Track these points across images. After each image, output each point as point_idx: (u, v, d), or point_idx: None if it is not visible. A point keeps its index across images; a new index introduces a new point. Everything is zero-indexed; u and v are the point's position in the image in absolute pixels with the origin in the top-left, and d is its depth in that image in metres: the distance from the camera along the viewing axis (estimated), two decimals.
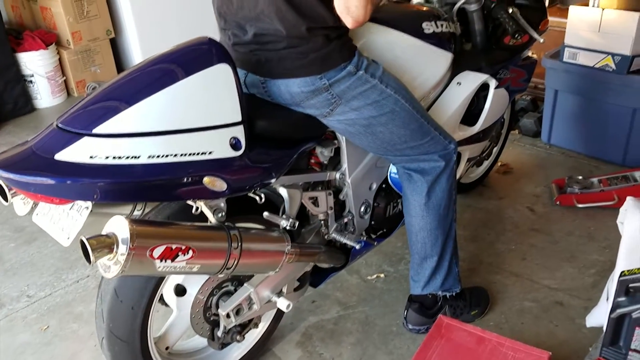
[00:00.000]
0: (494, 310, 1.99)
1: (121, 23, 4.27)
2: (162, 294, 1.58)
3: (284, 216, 1.55)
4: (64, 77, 4.08)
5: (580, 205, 2.49)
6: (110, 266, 1.15)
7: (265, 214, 1.52)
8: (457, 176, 2.09)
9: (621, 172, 2.58)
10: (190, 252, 1.23)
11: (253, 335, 1.82)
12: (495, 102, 2.04)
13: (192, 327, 1.60)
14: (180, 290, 1.56)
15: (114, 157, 1.14)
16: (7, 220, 2.72)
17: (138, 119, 1.18)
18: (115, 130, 1.16)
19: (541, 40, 2.10)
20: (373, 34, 1.66)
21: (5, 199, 1.26)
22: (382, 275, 2.20)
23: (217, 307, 1.58)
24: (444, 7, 1.96)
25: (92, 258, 1.10)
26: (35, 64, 3.86)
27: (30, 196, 1.19)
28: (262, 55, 1.47)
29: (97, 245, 1.11)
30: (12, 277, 2.34)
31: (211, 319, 1.61)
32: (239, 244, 1.35)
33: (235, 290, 1.61)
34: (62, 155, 1.12)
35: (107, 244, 1.12)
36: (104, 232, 1.16)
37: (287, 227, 1.53)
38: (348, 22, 1.39)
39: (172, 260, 1.21)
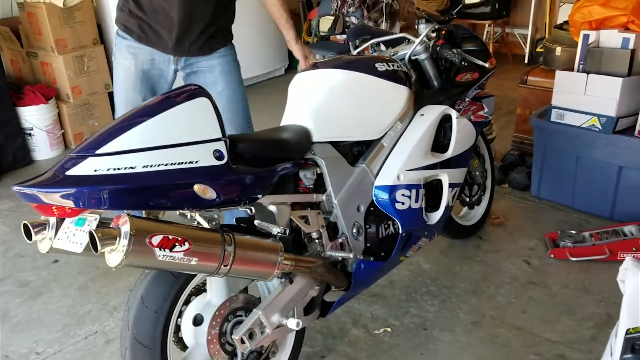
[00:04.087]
0: None
1: None
2: (180, 334, 1.70)
3: (275, 224, 1.69)
4: (63, 130, 4.15)
5: (573, 259, 2.60)
6: (115, 255, 1.31)
7: (257, 221, 1.67)
8: (447, 203, 2.25)
9: (611, 227, 2.71)
10: (187, 243, 1.40)
11: None
12: (460, 129, 2.24)
13: (211, 358, 1.67)
14: (198, 321, 1.68)
15: (114, 169, 1.34)
16: (12, 275, 2.73)
17: (133, 140, 1.39)
18: (114, 149, 1.36)
19: (486, 65, 2.43)
20: (333, 77, 1.97)
21: (30, 237, 1.42)
22: (388, 329, 2.26)
23: (232, 334, 1.67)
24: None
25: (99, 246, 1.27)
26: (35, 117, 3.93)
27: (47, 210, 1.33)
28: None
29: (102, 236, 1.29)
30: (19, 334, 2.34)
31: (227, 347, 1.69)
32: (233, 244, 1.51)
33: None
34: (71, 172, 1.32)
35: (112, 234, 1.31)
36: (110, 227, 1.34)
37: (279, 234, 1.67)
38: None
39: (171, 250, 1.37)
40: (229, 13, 2.41)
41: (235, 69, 2.43)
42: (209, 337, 1.65)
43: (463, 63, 2.26)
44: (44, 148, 4.05)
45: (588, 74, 2.79)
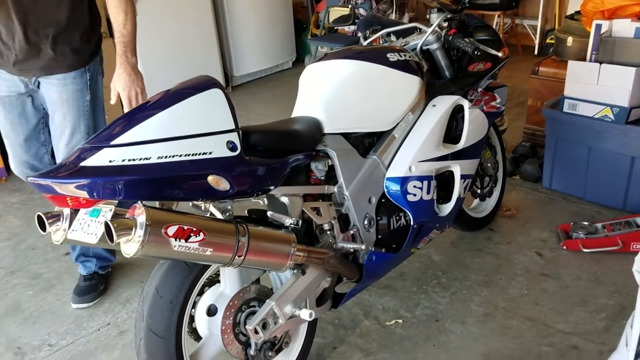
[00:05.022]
0: (514, 356, 2.05)
1: None
2: (194, 325, 1.71)
3: (287, 216, 1.69)
4: None
5: (586, 250, 2.58)
6: (131, 245, 1.32)
7: (269, 212, 1.67)
8: (459, 194, 2.22)
9: (624, 218, 2.69)
10: (201, 234, 1.40)
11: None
12: (473, 120, 2.21)
13: (225, 348, 1.68)
14: (212, 311, 1.69)
15: (129, 160, 1.34)
16: (23, 267, 2.75)
17: (147, 131, 1.39)
18: (129, 140, 1.36)
19: (499, 54, 2.39)
20: (344, 68, 1.96)
21: (43, 229, 1.43)
22: (400, 320, 2.26)
23: (245, 324, 1.68)
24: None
25: (114, 237, 1.27)
26: None
27: (61, 200, 1.33)
28: None
29: (118, 226, 1.29)
30: (32, 326, 2.36)
31: (241, 337, 1.70)
32: (247, 234, 1.52)
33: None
34: (86, 163, 1.33)
35: (128, 225, 1.31)
36: (125, 217, 1.35)
37: (292, 225, 1.68)
38: None
39: (186, 240, 1.37)
40: (75, 39, 2.14)
41: (77, 100, 2.16)
42: (223, 328, 1.66)
43: (476, 52, 2.24)
44: None
45: (600, 64, 2.77)
